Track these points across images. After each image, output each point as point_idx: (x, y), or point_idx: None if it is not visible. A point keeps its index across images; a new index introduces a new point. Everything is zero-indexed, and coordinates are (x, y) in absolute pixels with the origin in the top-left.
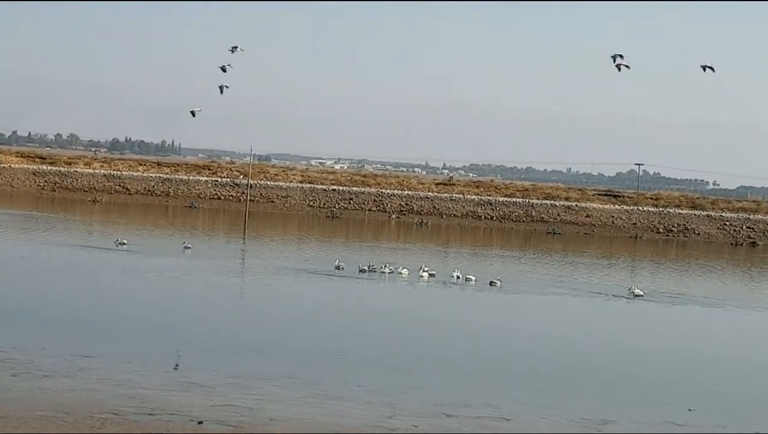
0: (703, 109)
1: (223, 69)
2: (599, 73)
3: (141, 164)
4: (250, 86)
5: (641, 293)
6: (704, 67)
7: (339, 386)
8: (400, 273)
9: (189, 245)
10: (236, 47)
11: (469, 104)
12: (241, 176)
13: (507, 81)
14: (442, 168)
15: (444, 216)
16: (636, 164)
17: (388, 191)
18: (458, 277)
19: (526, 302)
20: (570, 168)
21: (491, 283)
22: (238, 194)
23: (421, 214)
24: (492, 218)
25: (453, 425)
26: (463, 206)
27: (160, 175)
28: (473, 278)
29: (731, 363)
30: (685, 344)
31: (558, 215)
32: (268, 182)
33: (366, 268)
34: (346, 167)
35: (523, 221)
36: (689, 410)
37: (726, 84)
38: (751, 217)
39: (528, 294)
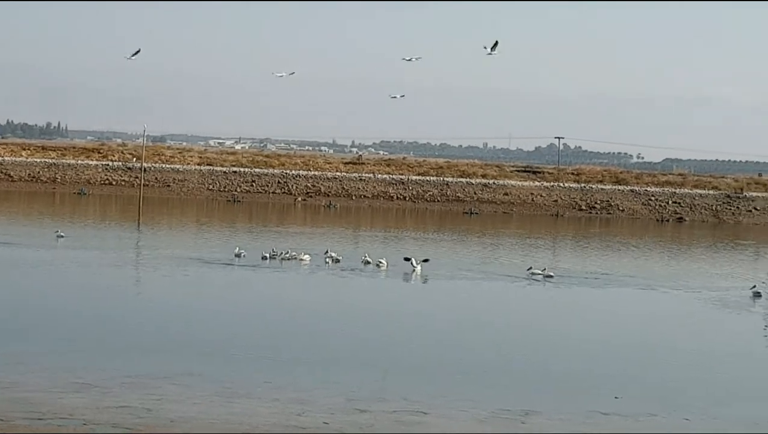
0: (625, 80)
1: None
2: (513, 45)
3: (24, 149)
4: (143, 62)
5: (546, 273)
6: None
7: (245, 383)
8: (302, 259)
9: (62, 234)
10: (138, 51)
11: (376, 79)
12: (134, 159)
13: (416, 54)
14: (351, 146)
15: (354, 198)
16: (556, 138)
17: (294, 172)
18: (369, 262)
19: (443, 287)
20: (486, 143)
21: (408, 261)
22: (131, 179)
23: (329, 196)
24: (405, 198)
25: (366, 421)
26: (374, 187)
27: (46, 160)
28: (385, 262)
29: (657, 348)
30: (608, 328)
31: (475, 193)
32: (164, 165)
33: (268, 255)
34: (247, 147)
35: (438, 200)
36: (616, 398)
37: (647, 56)
38: (677, 191)
39: (444, 279)
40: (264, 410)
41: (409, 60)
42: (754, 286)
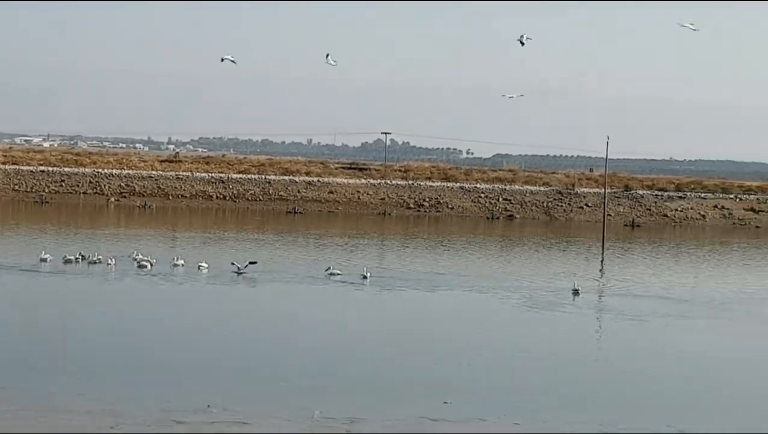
0: (454, 73)
1: None
2: (340, 36)
3: None
4: None
5: (338, 272)
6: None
7: (57, 395)
8: (109, 263)
9: None
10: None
11: (194, 71)
12: None
13: (238, 44)
14: (168, 143)
15: (170, 197)
16: (383, 133)
17: (106, 171)
18: (182, 265)
19: (266, 291)
20: (311, 139)
21: (232, 265)
22: None
23: (144, 196)
24: (225, 197)
25: (182, 430)
26: (192, 186)
27: None
28: (206, 265)
29: (485, 350)
30: (435, 331)
31: (299, 192)
32: None
33: (73, 259)
34: (56, 145)
35: (260, 199)
36: (445, 403)
37: (474, 47)
38: (508, 188)
39: (268, 283)
40: (76, 423)
41: (330, 60)
42: (575, 284)
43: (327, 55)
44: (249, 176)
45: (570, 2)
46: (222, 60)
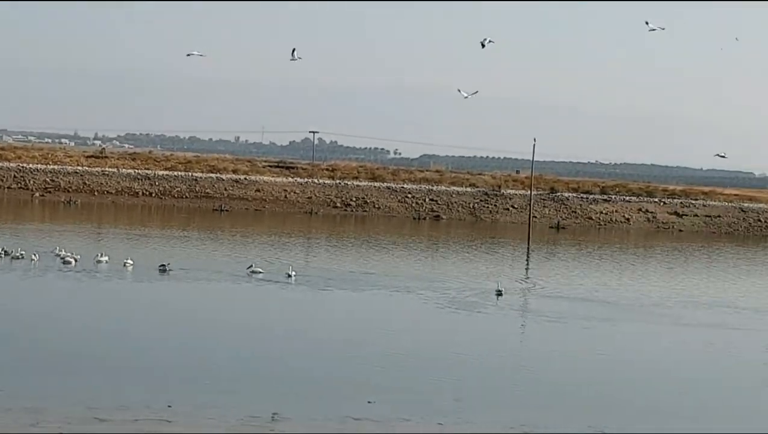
0: (383, 73)
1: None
2: (272, 35)
3: None
4: None
5: (260, 270)
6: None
7: None
8: (33, 259)
9: None
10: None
11: (121, 67)
12: None
13: (168, 43)
14: (94, 139)
15: (96, 193)
16: (311, 132)
17: (31, 165)
18: (107, 261)
19: (189, 289)
20: (239, 137)
21: (161, 269)
22: None
23: (69, 191)
24: (151, 194)
25: (105, 430)
26: (118, 182)
27: None
28: (131, 262)
29: (410, 352)
30: (358, 330)
31: (225, 189)
32: None
33: None
34: None
35: (186, 197)
36: (369, 402)
37: (404, 48)
38: (434, 188)
39: (192, 280)
40: None
41: (193, 55)
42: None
43: (293, 51)
44: (175, 173)
45: (506, 3)
46: (188, 55)
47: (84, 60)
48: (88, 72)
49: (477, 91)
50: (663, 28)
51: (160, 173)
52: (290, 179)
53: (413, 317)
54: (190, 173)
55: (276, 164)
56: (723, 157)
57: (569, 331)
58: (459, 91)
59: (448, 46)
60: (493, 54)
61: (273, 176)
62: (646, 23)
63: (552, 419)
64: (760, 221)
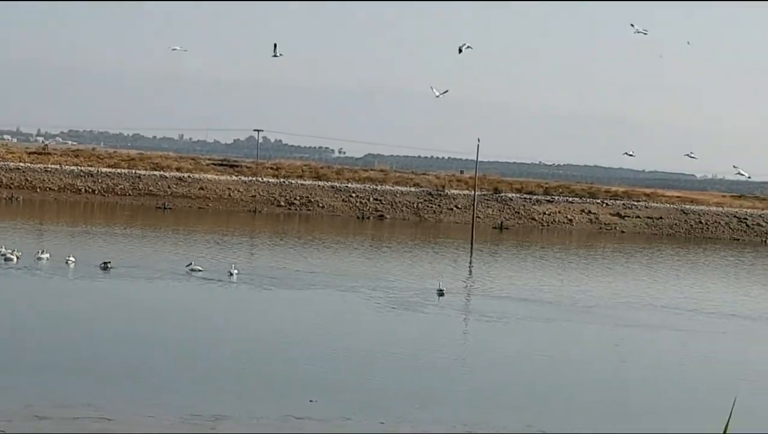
0: (328, 72)
1: None
2: (217, 32)
3: None
4: None
5: (199, 268)
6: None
7: None
8: None
9: None
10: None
11: (64, 63)
12: None
13: (110, 38)
14: (36, 135)
15: (38, 190)
16: (255, 130)
17: None
18: (48, 258)
19: (135, 287)
20: (183, 135)
21: (104, 266)
22: None
23: (11, 188)
24: (94, 191)
25: (45, 428)
26: (61, 179)
27: None
28: (73, 259)
29: (352, 352)
30: (300, 329)
31: (169, 187)
32: None
33: None
34: None
35: (130, 194)
36: (310, 401)
37: (348, 47)
38: (379, 188)
39: (133, 278)
40: None
41: (176, 50)
42: (440, 284)
43: (275, 46)
44: (119, 170)
45: (445, 3)
46: (173, 50)
47: (26, 55)
48: (31, 67)
49: (447, 91)
50: (645, 33)
51: (104, 170)
52: (234, 178)
53: (355, 317)
54: (133, 171)
55: (220, 163)
56: (692, 156)
57: (510, 331)
58: (431, 89)
59: (391, 47)
60: (437, 54)
61: (217, 175)
62: (632, 25)
63: (492, 418)
64: (701, 223)
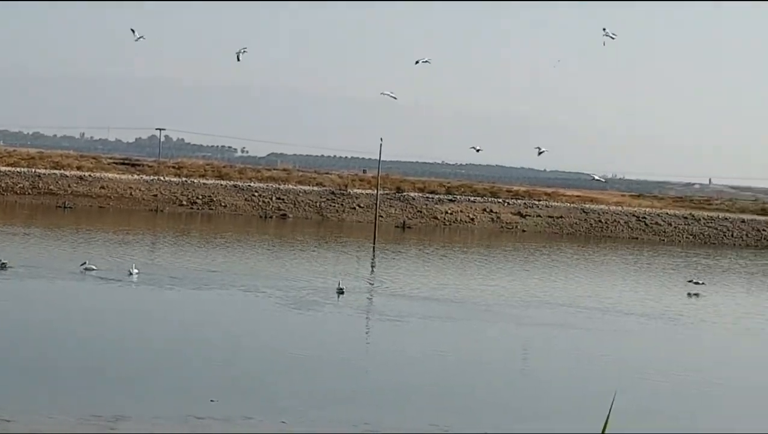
0: (232, 71)
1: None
2: (116, 30)
3: None
4: None
5: (93, 267)
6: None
7: None
8: None
9: None
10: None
11: None
12: None
13: (7, 39)
14: None
15: None
16: (157, 129)
17: None
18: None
19: (33, 287)
20: (84, 133)
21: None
22: None
23: None
24: None
25: None
26: None
27: None
28: None
29: (252, 351)
30: (200, 329)
31: (69, 186)
32: None
33: None
34: None
35: (29, 193)
36: (211, 401)
37: (253, 46)
38: (282, 187)
39: (28, 278)
40: None
41: (141, 39)
42: (339, 283)
43: (243, 51)
44: (18, 169)
45: (345, 2)
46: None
47: None
48: None
49: (395, 97)
50: (614, 37)
51: (2, 168)
52: (136, 177)
53: (255, 316)
54: (33, 170)
55: (121, 162)
56: (541, 151)
57: (411, 330)
58: (384, 93)
59: (293, 47)
60: (341, 54)
61: (118, 174)
62: (604, 29)
63: (394, 418)
64: (600, 222)
